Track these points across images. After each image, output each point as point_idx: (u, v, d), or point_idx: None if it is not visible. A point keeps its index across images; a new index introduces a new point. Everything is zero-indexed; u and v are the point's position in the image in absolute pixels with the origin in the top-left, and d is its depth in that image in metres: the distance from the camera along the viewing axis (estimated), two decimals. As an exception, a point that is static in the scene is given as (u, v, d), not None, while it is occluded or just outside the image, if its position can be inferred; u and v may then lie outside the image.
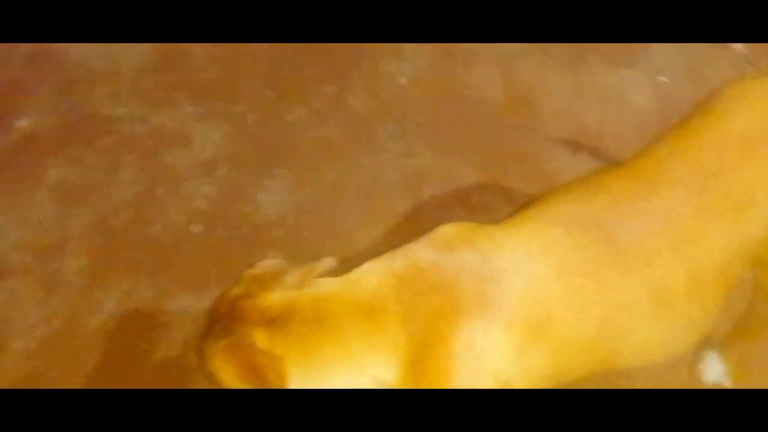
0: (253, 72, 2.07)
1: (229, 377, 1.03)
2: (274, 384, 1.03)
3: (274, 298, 1.10)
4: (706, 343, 1.51)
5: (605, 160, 1.81)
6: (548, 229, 1.12)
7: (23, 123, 1.98)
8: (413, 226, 1.75)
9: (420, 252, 1.12)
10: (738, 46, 2.04)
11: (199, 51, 2.11)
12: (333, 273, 1.19)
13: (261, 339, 1.06)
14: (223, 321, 1.10)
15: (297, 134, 1.96)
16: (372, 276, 1.12)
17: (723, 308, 1.19)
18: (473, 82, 2.03)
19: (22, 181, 1.88)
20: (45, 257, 1.77)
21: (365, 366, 1.07)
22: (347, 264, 1.70)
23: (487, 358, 1.05)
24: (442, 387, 1.05)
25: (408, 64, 2.07)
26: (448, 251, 1.11)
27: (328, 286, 1.13)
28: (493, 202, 1.79)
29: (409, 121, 1.97)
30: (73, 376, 1.61)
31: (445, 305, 1.06)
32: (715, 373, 1.52)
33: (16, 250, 1.78)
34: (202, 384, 1.55)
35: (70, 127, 1.98)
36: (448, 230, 1.15)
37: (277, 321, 1.08)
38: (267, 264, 1.20)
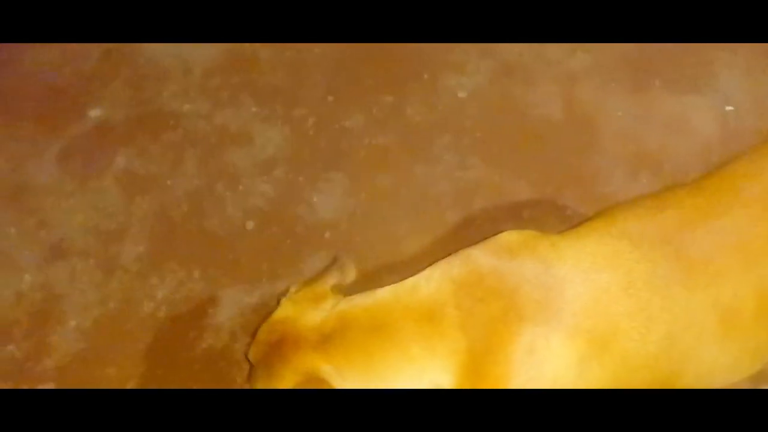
0: (316, 78, 2.12)
1: None
2: None
3: (325, 313, 1.12)
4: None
5: (664, 186, 1.77)
6: (614, 241, 1.11)
7: (97, 113, 2.09)
8: (463, 237, 1.76)
9: (480, 258, 1.12)
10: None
11: (265, 55, 2.18)
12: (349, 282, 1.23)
13: (317, 361, 1.07)
14: (279, 349, 1.11)
15: (354, 141, 1.99)
16: (430, 281, 1.14)
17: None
18: (532, 99, 2.02)
19: (91, 167, 1.98)
20: (107, 241, 1.85)
21: (425, 370, 1.08)
22: (397, 271, 1.72)
23: (547, 366, 1.04)
24: None
25: (468, 79, 2.08)
26: (509, 258, 1.12)
27: (384, 293, 1.16)
28: (546, 220, 1.77)
29: (465, 135, 1.98)
30: (124, 358, 1.67)
31: (506, 311, 1.07)
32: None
33: (81, 231, 1.87)
34: (245, 376, 1.59)
35: (139, 120, 2.07)
36: (510, 237, 1.15)
37: (333, 335, 1.09)
38: (302, 284, 1.22)
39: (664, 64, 2.04)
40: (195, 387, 1.59)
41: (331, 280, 1.22)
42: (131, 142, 2.03)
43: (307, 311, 1.13)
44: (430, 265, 1.20)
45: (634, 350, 1.07)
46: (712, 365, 1.13)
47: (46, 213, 1.93)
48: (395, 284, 1.17)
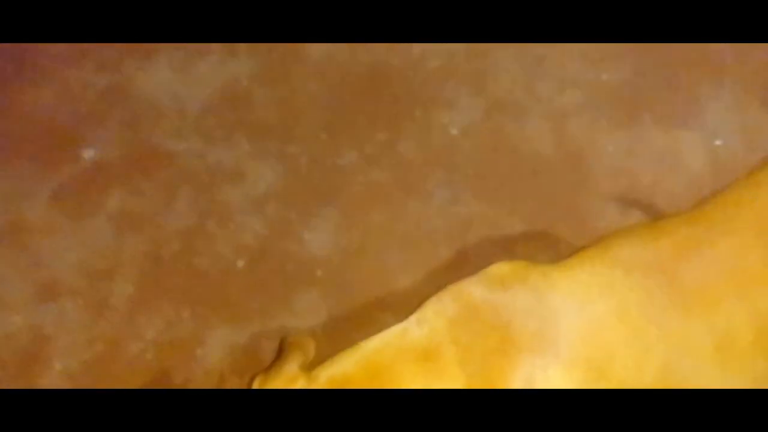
0: (309, 116, 2.14)
1: None
2: None
3: (311, 380, 1.10)
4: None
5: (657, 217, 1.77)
6: (607, 270, 1.11)
7: (91, 153, 2.09)
8: (457, 272, 1.70)
9: (473, 291, 1.12)
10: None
11: (259, 93, 2.20)
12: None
13: None
14: None
15: (347, 177, 1.99)
16: (422, 322, 1.12)
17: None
18: (524, 135, 2.03)
19: (85, 207, 1.98)
20: (97, 281, 1.83)
21: None
22: (390, 307, 1.71)
23: None
24: None
25: (460, 116, 2.10)
26: (502, 289, 1.11)
27: (372, 344, 1.14)
28: (539, 254, 1.76)
29: (458, 171, 1.99)
30: (111, 400, 1.63)
31: (503, 343, 1.06)
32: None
33: (72, 271, 1.86)
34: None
35: (133, 159, 2.07)
36: (500, 269, 1.15)
37: None
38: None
39: (653, 100, 2.06)
40: None
41: (296, 360, 1.17)
42: (125, 181, 2.03)
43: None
44: (422, 301, 1.18)
45: (630, 379, 1.05)
46: None
47: (38, 252, 1.92)
48: (381, 333, 1.15)
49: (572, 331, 1.05)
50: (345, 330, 1.67)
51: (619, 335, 1.05)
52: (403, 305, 1.81)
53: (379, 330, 1.70)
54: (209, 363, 1.66)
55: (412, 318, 1.14)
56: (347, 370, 1.09)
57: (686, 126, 1.99)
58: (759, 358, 1.10)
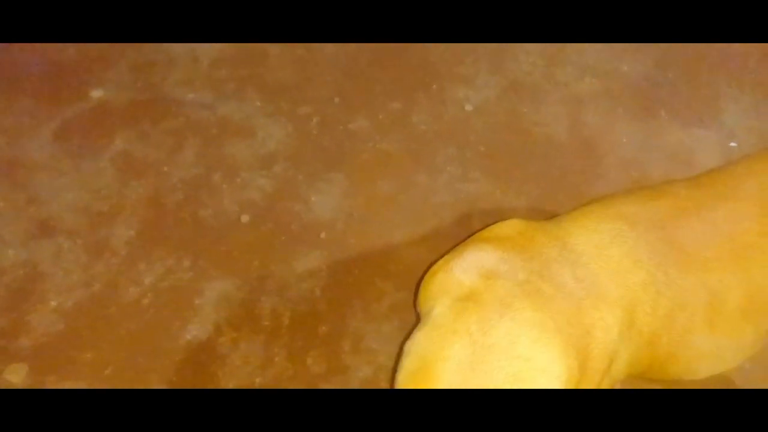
0: (324, 78, 2.11)
1: None
2: None
3: None
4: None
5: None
6: (612, 223, 1.11)
7: (99, 93, 2.05)
8: (457, 235, 1.73)
9: (507, 247, 1.07)
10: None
11: (275, 51, 2.16)
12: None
13: None
14: None
15: (357, 144, 1.97)
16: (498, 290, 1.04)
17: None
18: (539, 119, 2.02)
19: (88, 147, 1.94)
20: (97, 223, 1.80)
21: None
22: (390, 277, 1.69)
23: (611, 336, 1.04)
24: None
25: (475, 93, 2.08)
26: (526, 238, 1.09)
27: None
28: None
29: (469, 148, 1.97)
30: (103, 343, 1.62)
31: (541, 289, 1.03)
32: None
33: (71, 210, 1.83)
34: (226, 371, 1.55)
35: (142, 104, 2.04)
36: (513, 224, 1.14)
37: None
38: None
39: (671, 96, 2.05)
40: (174, 379, 1.54)
41: None
42: (131, 125, 2.00)
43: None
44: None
45: (646, 324, 1.07)
46: (699, 353, 1.13)
47: (37, 189, 1.89)
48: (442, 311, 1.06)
49: (601, 273, 1.05)
50: (344, 295, 1.66)
51: (637, 278, 1.06)
52: (404, 275, 1.81)
53: (378, 298, 1.72)
54: (206, 313, 1.64)
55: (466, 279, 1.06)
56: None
57: (702, 124, 1.98)
58: (747, 324, 1.12)
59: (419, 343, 0.99)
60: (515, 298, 0.99)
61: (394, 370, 1.03)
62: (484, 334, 0.96)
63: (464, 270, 1.06)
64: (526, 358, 0.95)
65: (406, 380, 0.98)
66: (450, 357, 0.95)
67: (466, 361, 0.94)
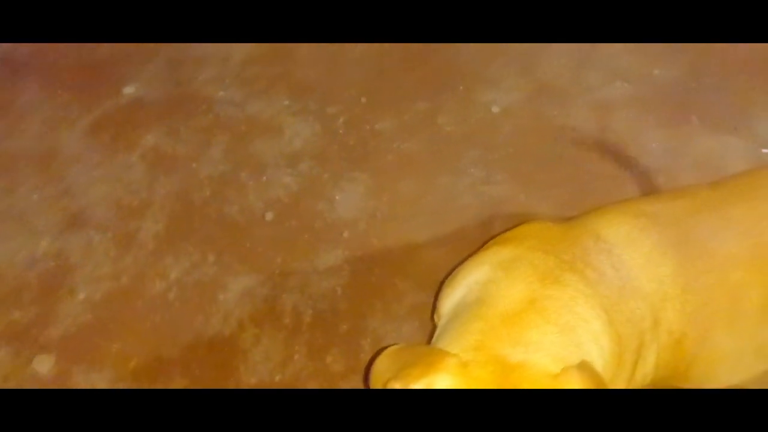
0: (352, 78, 2.12)
1: None
2: None
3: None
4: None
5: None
6: (634, 219, 1.11)
7: (131, 90, 2.11)
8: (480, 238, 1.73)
9: (546, 247, 1.07)
10: None
11: (304, 51, 2.18)
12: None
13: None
14: None
15: (383, 143, 1.98)
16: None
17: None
18: (566, 122, 2.00)
19: (120, 142, 1.99)
20: (126, 216, 1.85)
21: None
22: (412, 277, 1.69)
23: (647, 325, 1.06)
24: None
25: (503, 95, 2.07)
26: (562, 237, 1.10)
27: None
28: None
29: (494, 150, 1.96)
30: (129, 335, 1.66)
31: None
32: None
33: (102, 204, 1.88)
34: (248, 366, 1.57)
35: (173, 101, 2.08)
36: (536, 225, 1.14)
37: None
38: None
39: (703, 102, 2.01)
40: (196, 372, 1.58)
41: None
42: (162, 121, 2.04)
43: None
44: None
45: (675, 322, 1.06)
46: (720, 354, 1.12)
47: (70, 182, 1.94)
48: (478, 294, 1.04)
49: (633, 265, 1.05)
50: (365, 293, 1.67)
51: (667, 270, 1.06)
52: (425, 276, 1.81)
53: (399, 299, 1.72)
54: (229, 308, 1.67)
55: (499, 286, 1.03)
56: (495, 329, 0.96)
57: (734, 132, 1.94)
58: (765, 329, 1.10)
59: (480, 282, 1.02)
60: (564, 272, 1.00)
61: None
62: (543, 286, 0.97)
63: (490, 263, 1.07)
64: (584, 318, 0.96)
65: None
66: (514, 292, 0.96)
67: (526, 299, 0.95)
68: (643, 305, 1.04)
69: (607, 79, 2.07)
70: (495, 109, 2.04)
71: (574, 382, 0.85)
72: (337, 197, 1.88)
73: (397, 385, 0.87)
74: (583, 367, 0.87)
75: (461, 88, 2.09)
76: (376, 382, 0.94)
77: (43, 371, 1.60)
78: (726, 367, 1.15)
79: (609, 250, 1.06)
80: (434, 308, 1.17)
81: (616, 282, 1.03)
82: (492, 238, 1.69)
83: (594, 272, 1.02)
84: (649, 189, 1.83)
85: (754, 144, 1.93)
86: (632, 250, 1.06)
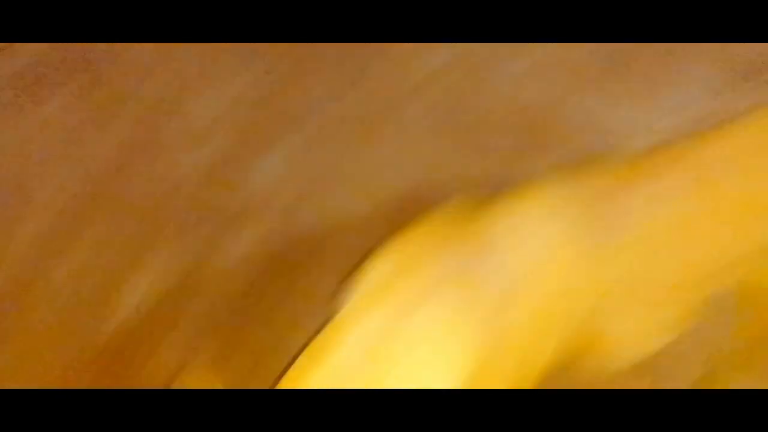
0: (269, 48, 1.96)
1: None
2: None
3: None
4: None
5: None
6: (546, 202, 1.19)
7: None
8: (407, 211, 1.63)
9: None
10: None
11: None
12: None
13: None
14: None
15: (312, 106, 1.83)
16: None
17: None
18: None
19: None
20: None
21: None
22: (339, 247, 1.60)
23: None
24: None
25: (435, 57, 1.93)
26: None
27: None
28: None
29: (431, 111, 1.84)
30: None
31: None
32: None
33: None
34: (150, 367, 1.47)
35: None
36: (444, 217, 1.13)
37: None
38: None
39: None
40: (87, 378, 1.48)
41: None
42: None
43: None
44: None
45: (583, 304, 1.11)
46: (629, 329, 1.14)
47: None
48: None
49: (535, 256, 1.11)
50: (281, 279, 1.58)
51: (574, 256, 1.11)
52: (351, 248, 1.72)
53: (323, 273, 1.63)
54: (133, 302, 1.56)
55: None
56: None
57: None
58: (674, 302, 1.14)
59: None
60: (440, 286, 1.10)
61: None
62: (405, 313, 1.09)
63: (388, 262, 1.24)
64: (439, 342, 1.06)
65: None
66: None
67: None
68: (538, 302, 1.02)
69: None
70: (428, 71, 1.91)
71: None
72: (260, 165, 1.74)
73: None
74: None
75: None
76: None
77: None
78: (633, 342, 1.19)
79: (503, 249, 1.04)
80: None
81: (501, 284, 1.12)
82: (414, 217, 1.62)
83: (476, 276, 1.05)
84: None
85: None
86: (537, 242, 1.13)
